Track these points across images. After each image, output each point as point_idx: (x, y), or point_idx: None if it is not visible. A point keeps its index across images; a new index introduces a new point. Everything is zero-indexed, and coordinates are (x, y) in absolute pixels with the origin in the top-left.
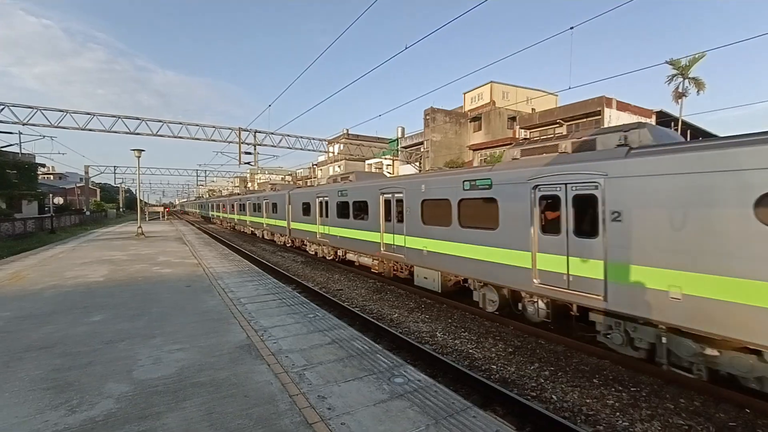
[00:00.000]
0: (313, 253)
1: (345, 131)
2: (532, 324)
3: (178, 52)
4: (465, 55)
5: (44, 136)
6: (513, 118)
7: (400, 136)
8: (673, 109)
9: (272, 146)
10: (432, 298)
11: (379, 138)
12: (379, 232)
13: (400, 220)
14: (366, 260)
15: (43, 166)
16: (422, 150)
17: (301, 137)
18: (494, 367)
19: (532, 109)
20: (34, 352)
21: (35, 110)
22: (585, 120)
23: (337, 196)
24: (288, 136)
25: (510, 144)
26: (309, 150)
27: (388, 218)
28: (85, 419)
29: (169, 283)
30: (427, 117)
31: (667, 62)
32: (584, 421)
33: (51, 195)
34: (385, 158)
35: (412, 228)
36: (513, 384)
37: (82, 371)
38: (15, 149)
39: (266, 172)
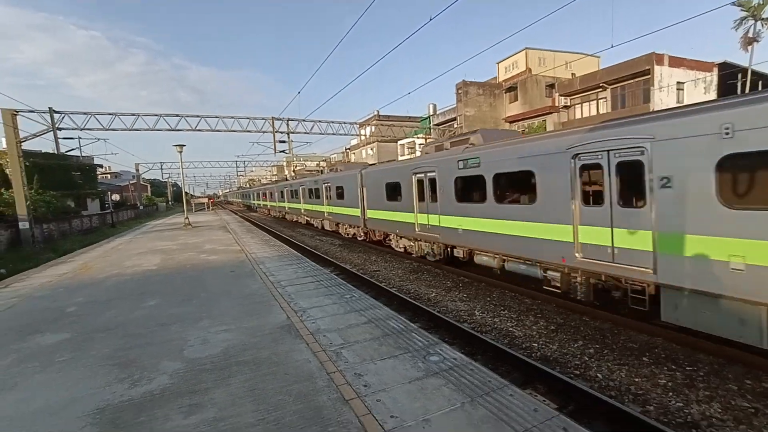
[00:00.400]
0: (345, 235)
1: (375, 112)
2: (575, 301)
3: (210, 48)
4: (496, 22)
5: (98, 139)
6: (551, 86)
7: (431, 113)
8: (741, 59)
9: (305, 133)
10: (470, 277)
11: (410, 117)
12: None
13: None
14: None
15: (101, 166)
16: (455, 126)
17: (332, 122)
18: (535, 345)
19: (572, 74)
20: (102, 333)
21: (89, 116)
22: (632, 81)
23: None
24: (319, 122)
25: (549, 113)
26: (341, 134)
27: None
28: (145, 392)
29: (214, 270)
30: (460, 91)
31: (733, 3)
32: (632, 401)
33: (109, 193)
34: (418, 137)
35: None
36: (555, 362)
37: (141, 350)
38: (76, 153)
39: (301, 159)
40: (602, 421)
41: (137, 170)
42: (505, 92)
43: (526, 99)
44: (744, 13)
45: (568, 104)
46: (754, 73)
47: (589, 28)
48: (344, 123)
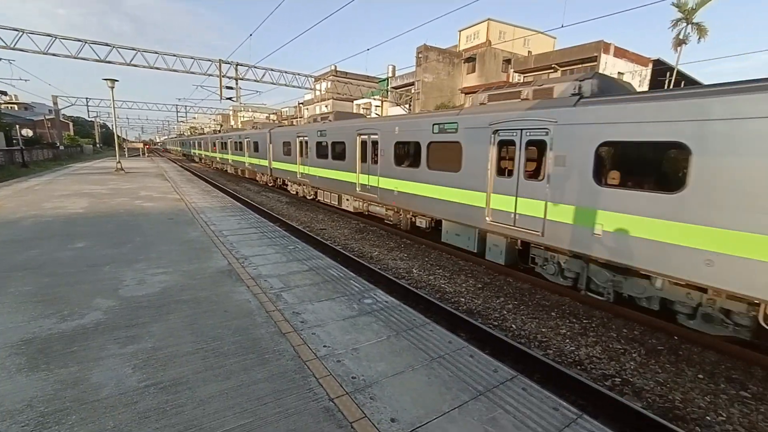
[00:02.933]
0: (294, 192)
1: (333, 67)
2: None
3: None
4: None
5: (1, 59)
6: (508, 61)
7: (390, 75)
8: (671, 58)
9: (255, 81)
10: (412, 238)
11: (368, 77)
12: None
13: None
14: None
15: (5, 93)
16: (413, 91)
17: (286, 72)
18: (463, 300)
19: (529, 51)
20: (21, 272)
21: None
22: (580, 66)
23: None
24: (272, 70)
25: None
26: (294, 86)
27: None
28: (77, 326)
29: (151, 216)
30: (420, 55)
31: (673, 4)
32: (537, 346)
33: (18, 126)
34: (374, 98)
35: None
36: (478, 314)
37: (70, 288)
38: None
39: (249, 110)
40: (511, 361)
41: (55, 104)
42: (464, 62)
43: (483, 72)
44: (680, 15)
45: (521, 81)
46: (679, 73)
47: (548, 4)
48: (299, 75)
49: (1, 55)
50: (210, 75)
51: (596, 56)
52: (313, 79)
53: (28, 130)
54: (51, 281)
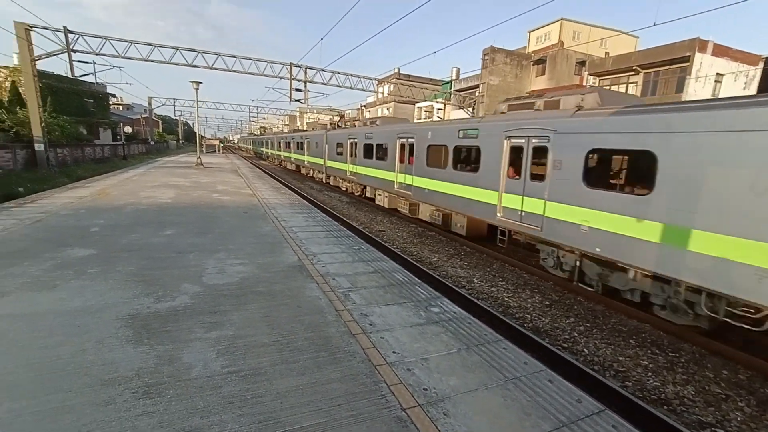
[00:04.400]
0: (344, 189)
1: (396, 70)
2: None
3: None
4: None
5: (113, 66)
6: (582, 63)
7: (453, 77)
8: None
9: (322, 84)
10: (472, 246)
11: (431, 80)
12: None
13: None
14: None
15: (114, 96)
16: (477, 94)
17: (351, 75)
18: (528, 316)
19: (606, 52)
20: (126, 253)
21: (105, 40)
22: (668, 67)
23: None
24: (338, 73)
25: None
26: (359, 89)
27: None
28: (169, 307)
29: (228, 209)
30: (486, 57)
31: None
32: (613, 376)
33: (122, 124)
34: (437, 101)
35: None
36: (546, 334)
37: (163, 272)
38: (90, 79)
39: (315, 111)
40: (584, 390)
41: (150, 104)
42: (533, 64)
43: (554, 74)
44: None
45: (595, 84)
46: None
47: (632, 3)
48: (363, 78)
49: (114, 63)
50: (281, 78)
51: (689, 56)
52: (376, 82)
53: (128, 128)
54: (148, 264)
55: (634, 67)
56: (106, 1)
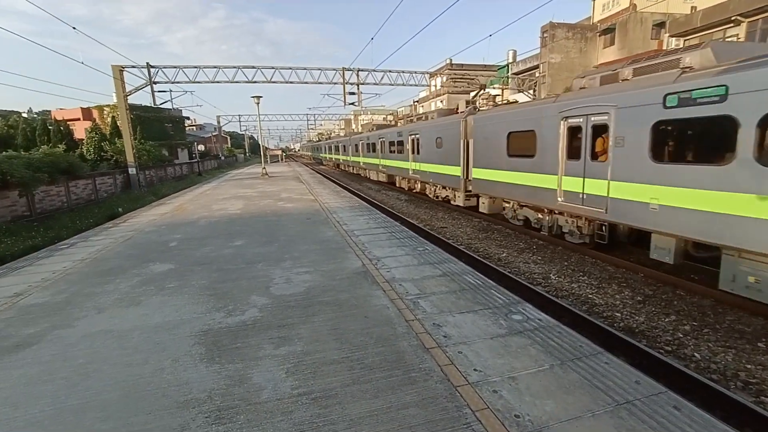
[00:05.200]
0: (395, 184)
1: (448, 61)
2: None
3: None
4: None
5: (186, 92)
6: (661, 24)
7: (510, 61)
8: None
9: (375, 84)
10: (544, 239)
11: (486, 66)
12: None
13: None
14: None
15: (188, 118)
16: (538, 75)
17: (402, 72)
18: (618, 315)
19: (692, 7)
20: (199, 266)
21: (178, 69)
22: None
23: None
24: (389, 72)
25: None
26: (411, 85)
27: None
28: (239, 322)
29: (292, 216)
30: (545, 35)
31: None
32: (741, 389)
33: (196, 143)
34: (493, 87)
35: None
36: (641, 335)
37: (233, 284)
38: (167, 105)
39: (368, 113)
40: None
41: (218, 122)
42: (600, 35)
43: (625, 42)
44: None
45: (680, 46)
46: None
47: None
48: (414, 73)
49: (186, 88)
50: (335, 83)
51: None
52: (428, 76)
53: (202, 146)
54: (218, 276)
55: (733, 18)
56: (180, 35)
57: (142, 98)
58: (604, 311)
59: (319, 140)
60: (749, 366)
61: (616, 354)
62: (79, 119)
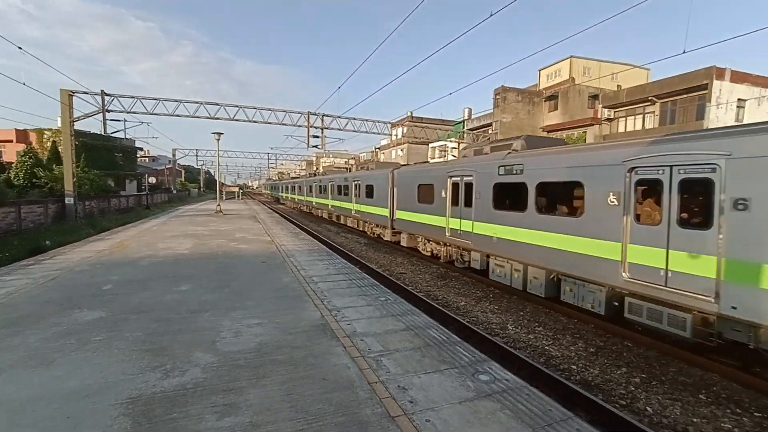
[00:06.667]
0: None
1: (409, 114)
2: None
3: (256, 42)
4: (542, 29)
5: (142, 122)
6: (595, 97)
7: (466, 117)
8: None
9: (338, 129)
10: (500, 288)
11: (443, 120)
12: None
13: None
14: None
15: (141, 149)
16: (490, 132)
17: (366, 120)
18: (574, 367)
19: (618, 86)
20: (135, 315)
21: (136, 99)
22: (686, 96)
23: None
24: (353, 119)
25: (591, 125)
26: (374, 133)
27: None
28: (178, 385)
29: (246, 258)
30: (497, 96)
31: None
32: None
33: (147, 175)
34: (450, 141)
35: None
36: (597, 388)
37: (173, 338)
38: (120, 135)
39: (330, 156)
40: None
41: (174, 155)
42: (545, 101)
43: (567, 109)
44: None
45: (612, 117)
46: None
47: (638, 40)
48: (377, 122)
49: (143, 119)
50: (299, 126)
51: (706, 84)
52: (390, 125)
53: (153, 179)
54: (158, 327)
55: (649, 98)
56: (142, 66)
57: (92, 125)
58: (561, 363)
59: (279, 179)
60: (695, 420)
61: (580, 414)
62: (11, 141)
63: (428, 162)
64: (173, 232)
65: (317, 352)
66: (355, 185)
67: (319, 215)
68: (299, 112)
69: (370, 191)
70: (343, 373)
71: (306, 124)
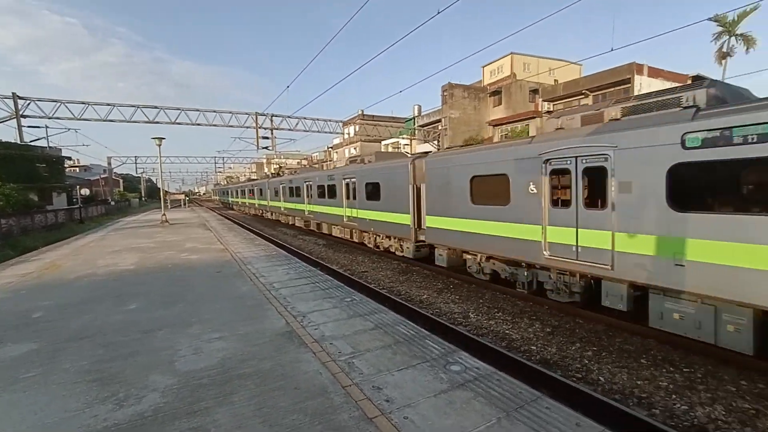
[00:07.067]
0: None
1: (360, 112)
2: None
3: (195, 42)
4: (485, 27)
5: (69, 129)
6: (535, 91)
7: (416, 114)
8: (714, 73)
9: (289, 130)
10: (460, 278)
11: (394, 118)
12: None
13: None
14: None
15: (69, 158)
16: (440, 128)
17: (317, 119)
18: (534, 348)
19: (555, 80)
20: (76, 342)
21: (59, 104)
22: (613, 89)
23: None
24: (304, 119)
25: (533, 117)
26: (326, 132)
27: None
28: (134, 414)
29: (198, 269)
30: (445, 93)
31: (710, 19)
32: (637, 404)
33: (78, 187)
34: (402, 137)
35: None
36: (556, 365)
37: (125, 362)
38: (43, 143)
39: (282, 157)
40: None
41: (109, 164)
42: (490, 96)
43: (510, 103)
44: (720, 29)
45: (551, 110)
46: None
47: (576, 35)
48: (329, 121)
49: (69, 126)
50: (247, 127)
51: (629, 78)
52: (341, 124)
53: (86, 190)
54: (105, 353)
55: (583, 91)
56: (63, 66)
57: (5, 133)
58: (521, 345)
59: (228, 184)
60: (639, 382)
61: (550, 394)
62: None
63: (484, 143)
64: (115, 246)
65: (286, 361)
66: (347, 184)
67: (289, 223)
68: (246, 113)
69: (374, 191)
70: (315, 379)
71: (254, 125)
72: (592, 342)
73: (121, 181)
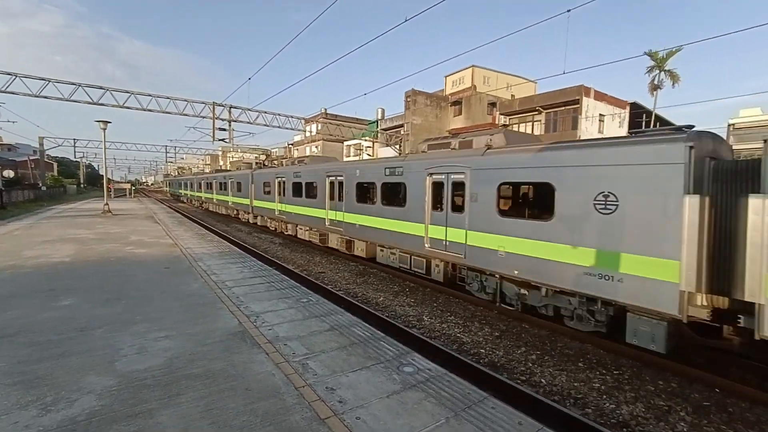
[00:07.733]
0: (273, 229)
1: (323, 110)
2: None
3: (147, 21)
4: (450, 38)
5: None
6: (493, 104)
7: (379, 117)
8: (648, 101)
9: (248, 123)
10: (416, 282)
11: (358, 119)
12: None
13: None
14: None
15: None
16: (402, 132)
17: (279, 115)
18: (483, 351)
19: (512, 95)
20: None
21: None
22: (563, 108)
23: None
24: (265, 113)
25: (489, 129)
26: (287, 128)
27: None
28: (63, 419)
29: (145, 264)
30: (408, 99)
31: (646, 53)
32: (573, 404)
33: (0, 167)
34: (365, 140)
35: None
36: (502, 368)
37: (55, 363)
38: None
39: (239, 150)
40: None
41: (41, 144)
42: (451, 105)
43: (470, 114)
44: (653, 63)
45: (507, 123)
46: (657, 116)
47: (535, 54)
48: (291, 117)
49: None
50: (203, 117)
51: (578, 99)
52: (303, 121)
53: (10, 171)
54: (30, 354)
55: (537, 108)
56: None
57: None
58: (471, 348)
59: (180, 174)
60: (576, 384)
61: (496, 395)
62: None
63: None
64: (46, 236)
65: (237, 362)
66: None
67: (275, 229)
68: (203, 102)
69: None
70: (267, 381)
71: (212, 115)
72: (537, 346)
73: (55, 164)
